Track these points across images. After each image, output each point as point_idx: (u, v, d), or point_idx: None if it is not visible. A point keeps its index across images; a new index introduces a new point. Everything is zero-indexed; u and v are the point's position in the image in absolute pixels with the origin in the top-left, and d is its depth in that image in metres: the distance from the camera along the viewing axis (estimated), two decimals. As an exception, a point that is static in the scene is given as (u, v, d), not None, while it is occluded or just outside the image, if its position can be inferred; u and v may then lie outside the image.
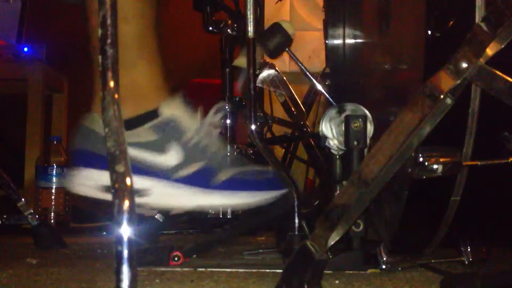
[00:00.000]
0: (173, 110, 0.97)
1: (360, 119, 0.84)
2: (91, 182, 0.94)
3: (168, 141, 0.96)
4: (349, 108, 0.89)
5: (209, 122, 1.00)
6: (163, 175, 0.95)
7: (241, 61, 1.37)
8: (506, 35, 0.61)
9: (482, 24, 0.62)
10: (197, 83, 2.45)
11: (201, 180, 0.96)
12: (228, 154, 1.00)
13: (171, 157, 0.96)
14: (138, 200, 0.95)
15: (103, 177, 0.94)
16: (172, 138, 0.96)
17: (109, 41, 0.49)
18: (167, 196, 0.95)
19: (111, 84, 0.48)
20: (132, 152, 0.94)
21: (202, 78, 2.46)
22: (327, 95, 1.22)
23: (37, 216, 1.22)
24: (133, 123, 0.96)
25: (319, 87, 1.32)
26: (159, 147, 0.96)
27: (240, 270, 0.86)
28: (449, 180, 0.79)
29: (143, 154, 0.95)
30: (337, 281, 0.76)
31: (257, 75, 1.46)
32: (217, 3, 1.45)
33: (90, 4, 0.97)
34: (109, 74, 0.48)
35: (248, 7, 0.90)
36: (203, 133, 0.98)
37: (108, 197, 0.97)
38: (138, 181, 0.94)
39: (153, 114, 0.97)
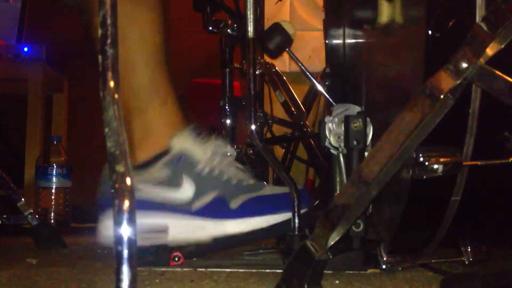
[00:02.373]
0: (183, 143, 0.97)
1: (360, 119, 0.84)
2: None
3: (180, 175, 0.96)
4: (349, 108, 0.89)
5: (221, 150, 1.00)
6: (179, 209, 0.96)
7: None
8: (506, 35, 0.61)
9: (482, 24, 0.62)
10: (198, 83, 2.45)
11: (216, 210, 0.96)
12: (246, 178, 1.00)
13: (185, 190, 0.96)
14: (158, 238, 0.95)
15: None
16: (184, 171, 0.96)
17: (109, 41, 0.49)
18: (185, 231, 0.96)
19: (111, 84, 0.48)
20: (147, 189, 0.95)
21: (202, 78, 2.46)
22: (327, 95, 1.22)
23: (37, 216, 1.22)
24: (146, 164, 0.97)
25: (319, 87, 1.32)
26: (172, 181, 0.96)
27: (240, 270, 0.86)
28: (449, 180, 0.79)
29: (157, 191, 0.95)
30: (337, 281, 0.76)
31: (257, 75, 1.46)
32: (217, 3, 1.45)
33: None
34: (109, 74, 0.48)
35: (248, 7, 0.90)
36: (215, 162, 0.98)
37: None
38: (156, 219, 0.95)
39: (166, 152, 0.97)
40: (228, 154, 1.01)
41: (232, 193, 0.97)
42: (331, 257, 0.71)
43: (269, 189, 1.01)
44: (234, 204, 0.97)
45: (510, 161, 0.70)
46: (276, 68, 1.60)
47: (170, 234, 0.95)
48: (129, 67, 0.97)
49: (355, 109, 0.90)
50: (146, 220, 0.94)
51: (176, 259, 0.91)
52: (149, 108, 1.00)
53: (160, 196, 0.95)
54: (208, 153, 0.98)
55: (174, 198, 0.96)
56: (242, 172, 1.01)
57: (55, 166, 1.73)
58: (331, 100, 1.19)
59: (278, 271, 0.84)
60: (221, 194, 0.97)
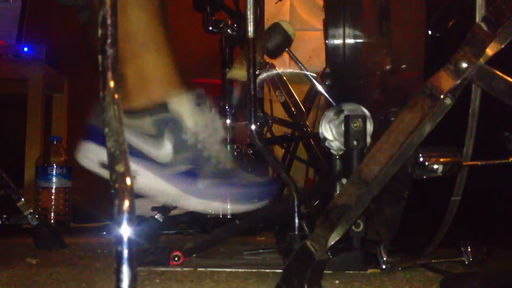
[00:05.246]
0: (179, 103, 0.97)
1: (360, 119, 0.84)
2: (95, 157, 0.96)
3: (165, 136, 0.96)
4: (349, 108, 0.89)
5: (212, 126, 1.00)
6: (153, 165, 0.96)
7: (235, 73, 1.37)
8: (506, 35, 0.61)
9: (482, 24, 0.62)
10: (198, 83, 2.45)
11: (183, 182, 0.96)
12: (225, 161, 1.01)
13: (163, 152, 0.96)
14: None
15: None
16: (169, 134, 0.96)
17: (109, 41, 0.49)
18: (150, 186, 0.96)
19: (111, 84, 0.48)
20: (130, 136, 0.95)
21: (202, 78, 2.46)
22: (327, 95, 1.22)
23: (37, 216, 1.22)
24: (138, 113, 0.97)
25: (319, 87, 1.32)
26: (155, 139, 0.96)
27: (240, 270, 0.86)
28: (449, 180, 0.79)
29: (140, 143, 0.96)
30: (337, 281, 0.76)
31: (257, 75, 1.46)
32: (217, 3, 1.45)
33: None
34: (109, 74, 0.48)
35: (248, 7, 0.90)
36: (202, 136, 0.98)
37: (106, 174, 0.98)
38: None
39: (159, 108, 0.97)
40: (218, 132, 1.01)
41: (205, 171, 0.98)
42: (331, 257, 0.71)
43: (242, 178, 1.01)
44: (203, 183, 0.97)
45: (510, 161, 0.70)
46: (276, 68, 1.60)
47: (137, 182, 0.95)
48: (124, 12, 0.96)
49: (345, 107, 0.90)
50: None
51: (176, 259, 0.91)
52: (143, 54, 0.99)
53: (140, 147, 0.96)
54: (199, 125, 0.98)
55: (153, 156, 0.96)
56: (224, 153, 1.01)
57: (55, 166, 1.73)
58: (331, 100, 1.19)
59: (278, 271, 0.84)
60: (195, 168, 0.97)
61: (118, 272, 0.44)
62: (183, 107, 0.98)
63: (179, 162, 0.97)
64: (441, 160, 0.66)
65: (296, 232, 0.88)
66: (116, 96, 0.48)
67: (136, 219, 0.46)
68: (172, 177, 0.97)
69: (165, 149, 0.97)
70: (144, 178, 0.96)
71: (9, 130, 2.40)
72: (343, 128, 0.87)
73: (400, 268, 0.83)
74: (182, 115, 0.97)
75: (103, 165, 0.95)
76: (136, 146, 0.96)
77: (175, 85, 1.01)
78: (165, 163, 0.97)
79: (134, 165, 0.96)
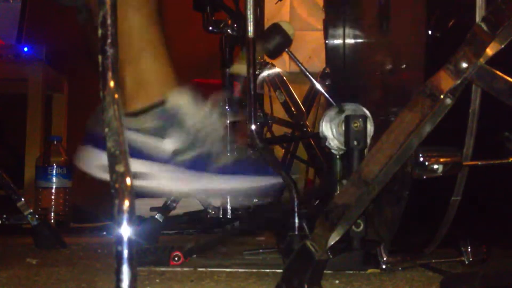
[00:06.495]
0: (178, 98, 0.98)
1: (360, 119, 0.84)
2: (96, 162, 0.96)
3: (169, 127, 0.97)
4: (349, 108, 0.89)
5: (213, 114, 1.01)
6: (163, 159, 0.96)
7: (238, 67, 1.37)
8: (506, 35, 0.61)
9: (482, 24, 0.62)
10: (198, 83, 2.45)
11: (200, 165, 0.97)
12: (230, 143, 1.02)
13: (171, 143, 0.97)
14: (138, 183, 0.96)
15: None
16: (173, 124, 0.97)
17: (109, 41, 0.49)
18: (166, 180, 0.97)
19: (111, 84, 0.48)
20: (133, 137, 0.96)
21: (202, 78, 2.46)
22: (327, 95, 1.22)
23: (37, 216, 1.21)
24: (138, 113, 0.98)
25: (319, 87, 1.32)
26: (160, 132, 0.97)
27: (240, 270, 0.86)
28: (449, 180, 0.79)
29: (144, 139, 0.96)
30: (337, 281, 0.76)
31: (257, 75, 1.46)
32: (217, 3, 1.45)
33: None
34: (109, 74, 0.48)
35: (248, 7, 0.90)
36: (206, 120, 0.99)
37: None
38: (138, 165, 0.96)
39: (158, 104, 0.98)
40: (218, 124, 1.02)
41: (219, 152, 0.98)
42: (331, 257, 0.71)
43: (246, 168, 1.01)
44: (220, 162, 0.97)
45: (510, 161, 0.70)
46: (276, 68, 1.60)
47: (152, 181, 0.95)
48: (120, 14, 0.97)
49: (346, 106, 0.90)
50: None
51: (176, 259, 0.91)
52: (141, 57, 1.00)
53: (145, 145, 0.96)
54: (200, 114, 0.99)
55: (159, 148, 0.97)
56: (225, 145, 1.02)
57: (55, 166, 1.73)
58: (331, 100, 1.19)
59: (278, 271, 0.84)
60: (207, 151, 0.98)
61: (118, 272, 0.44)
62: (182, 100, 0.99)
63: (186, 150, 0.97)
64: (441, 160, 0.66)
65: (296, 232, 0.88)
66: (116, 96, 0.48)
67: (136, 219, 0.46)
68: (184, 164, 0.97)
69: (170, 140, 0.97)
70: (158, 176, 0.96)
71: (9, 130, 2.40)
72: (343, 127, 0.87)
73: (400, 268, 0.83)
74: (182, 103, 0.98)
75: (103, 169, 0.95)
76: (140, 144, 0.97)
77: (172, 83, 1.01)
78: (174, 152, 0.97)
79: (143, 166, 0.96)
